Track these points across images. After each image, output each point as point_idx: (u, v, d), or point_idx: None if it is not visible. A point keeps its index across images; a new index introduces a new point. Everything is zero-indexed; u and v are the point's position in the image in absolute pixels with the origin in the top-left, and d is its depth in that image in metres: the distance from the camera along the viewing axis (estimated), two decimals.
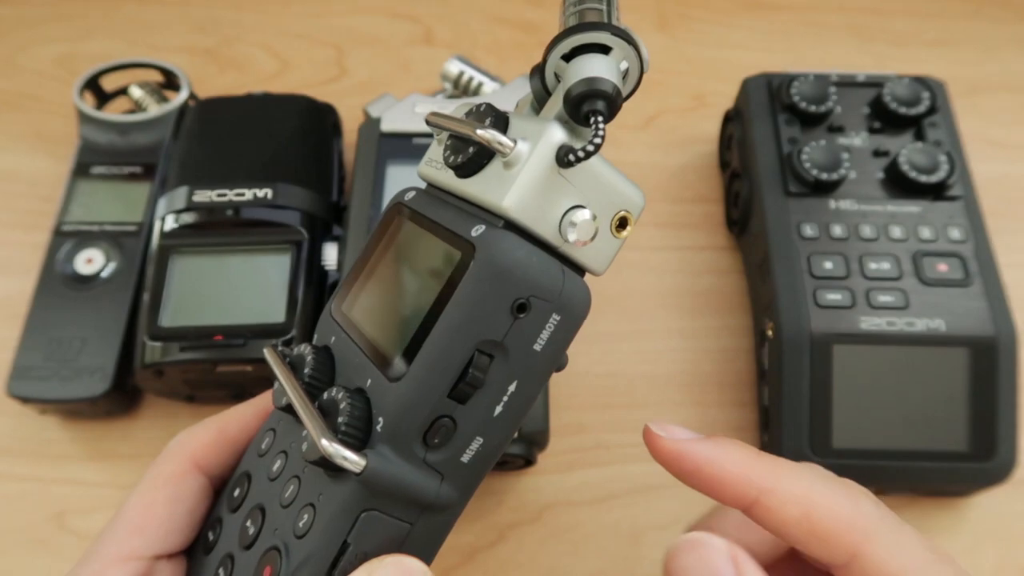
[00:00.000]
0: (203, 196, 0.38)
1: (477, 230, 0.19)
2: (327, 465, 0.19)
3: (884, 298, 0.34)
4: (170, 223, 0.38)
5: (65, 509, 0.37)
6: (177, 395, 0.38)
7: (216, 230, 0.38)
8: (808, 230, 0.36)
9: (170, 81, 0.47)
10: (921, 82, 0.40)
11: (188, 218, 0.38)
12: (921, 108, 0.39)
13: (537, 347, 0.19)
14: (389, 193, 0.39)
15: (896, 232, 0.36)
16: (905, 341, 0.34)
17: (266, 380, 0.36)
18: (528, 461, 0.35)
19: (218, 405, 0.39)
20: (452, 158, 0.21)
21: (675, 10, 0.55)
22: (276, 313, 0.36)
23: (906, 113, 0.39)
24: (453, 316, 0.18)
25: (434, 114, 0.21)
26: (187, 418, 0.39)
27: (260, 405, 0.25)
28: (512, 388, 0.19)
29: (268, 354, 0.22)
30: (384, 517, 0.19)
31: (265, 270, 0.37)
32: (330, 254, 0.38)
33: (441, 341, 0.18)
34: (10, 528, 0.37)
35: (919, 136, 0.39)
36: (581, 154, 0.18)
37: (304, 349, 0.22)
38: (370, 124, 0.41)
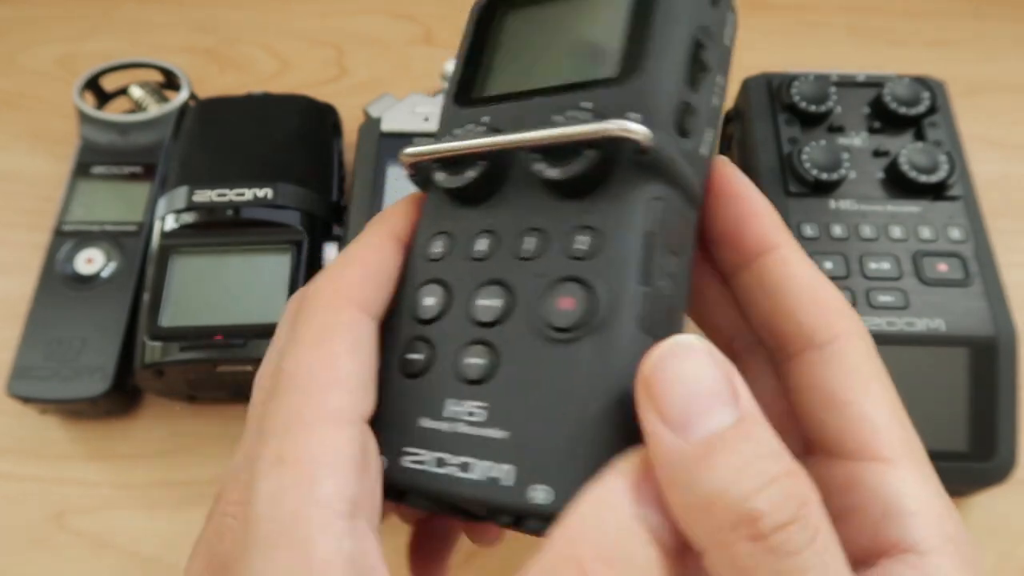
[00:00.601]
0: (203, 196, 0.38)
1: None
2: (584, 177, 0.19)
3: (884, 298, 0.34)
4: (170, 223, 0.38)
5: (65, 509, 0.37)
6: (177, 395, 0.38)
7: (216, 230, 0.38)
8: (808, 230, 0.36)
9: (170, 81, 0.47)
10: (921, 82, 0.40)
11: (188, 218, 0.38)
12: (921, 108, 0.39)
13: (726, 41, 0.21)
14: (389, 193, 0.39)
15: (896, 232, 0.36)
16: (905, 341, 0.34)
17: None
18: None
19: (218, 405, 0.39)
20: None
21: None
22: (276, 313, 0.35)
23: (906, 113, 0.39)
24: (669, 9, 0.19)
25: None
26: (187, 418, 0.39)
27: (386, 230, 0.22)
28: (719, 80, 0.20)
29: (411, 151, 0.21)
30: (671, 205, 0.19)
31: (265, 270, 0.37)
32: (330, 254, 0.38)
33: (667, 31, 0.19)
34: (10, 528, 0.37)
35: (919, 136, 0.39)
36: None
37: (464, 130, 0.21)
38: (370, 124, 0.41)
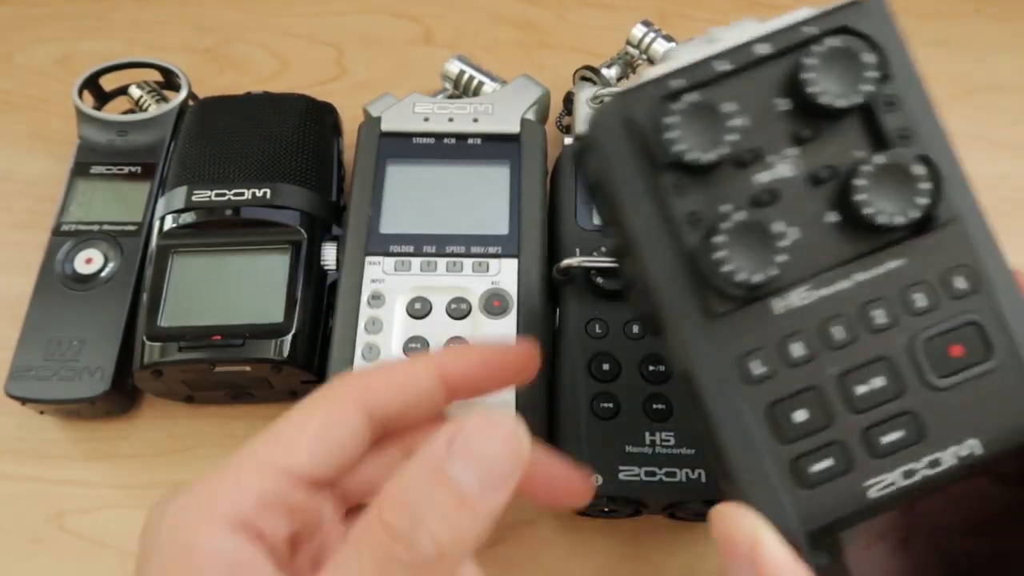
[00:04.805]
0: (202, 196, 0.38)
1: None
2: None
3: (890, 437, 0.22)
4: (169, 223, 0.38)
5: (64, 509, 0.37)
6: (176, 395, 0.38)
7: (215, 230, 0.38)
8: (757, 366, 0.22)
9: (170, 81, 0.47)
10: (851, 34, 0.22)
11: (187, 218, 0.38)
12: (865, 87, 0.22)
13: None
14: (389, 193, 0.38)
15: (879, 317, 0.22)
16: (933, 488, 0.21)
17: (265, 380, 0.36)
18: None
19: (217, 406, 0.39)
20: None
21: (675, 10, 0.54)
22: (275, 313, 0.36)
23: (844, 105, 0.22)
24: None
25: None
26: (186, 418, 0.39)
27: (437, 361, 0.24)
28: None
29: (580, 261, 0.37)
30: None
31: (264, 270, 0.37)
32: (329, 254, 0.38)
33: None
34: (9, 528, 0.37)
35: (871, 129, 0.22)
36: None
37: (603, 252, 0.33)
38: (370, 123, 0.41)
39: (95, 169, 0.43)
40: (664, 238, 0.22)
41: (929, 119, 0.22)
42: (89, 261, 0.40)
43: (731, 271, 0.21)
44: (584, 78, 0.44)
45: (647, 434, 0.32)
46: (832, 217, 0.22)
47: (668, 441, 0.32)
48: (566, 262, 0.35)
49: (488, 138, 0.40)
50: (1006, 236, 0.39)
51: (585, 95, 0.42)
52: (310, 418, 0.22)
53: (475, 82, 0.45)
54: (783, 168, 0.22)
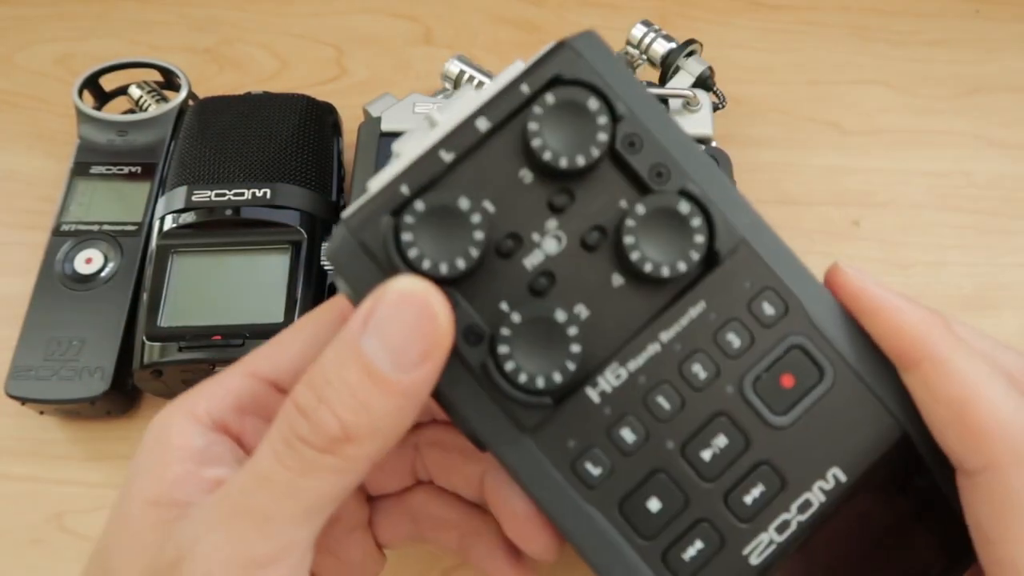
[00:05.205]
0: (202, 196, 0.38)
1: None
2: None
3: (752, 494, 0.20)
4: (169, 223, 0.38)
5: (64, 509, 0.37)
6: (176, 396, 0.38)
7: (215, 230, 0.38)
8: (592, 468, 0.20)
9: (170, 81, 0.47)
10: (566, 84, 0.20)
11: (187, 218, 0.38)
12: (600, 136, 0.20)
13: None
14: None
15: (700, 372, 0.21)
16: (815, 531, 0.21)
17: None
18: None
19: None
20: None
21: (675, 10, 0.54)
22: (275, 313, 0.36)
23: (584, 164, 0.20)
24: None
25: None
26: None
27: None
28: None
29: None
30: None
31: (264, 270, 0.37)
32: None
33: None
34: (9, 528, 0.37)
35: (627, 173, 0.21)
36: None
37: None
38: (370, 123, 0.41)
39: (95, 169, 0.43)
40: (453, 363, 0.19)
41: (678, 146, 0.20)
42: (89, 261, 0.40)
43: (527, 380, 0.19)
44: None
45: None
46: (618, 280, 0.20)
47: None
48: None
49: None
50: (1006, 236, 0.39)
51: None
52: (299, 331, 0.22)
53: (475, 82, 0.45)
54: (549, 244, 0.20)
